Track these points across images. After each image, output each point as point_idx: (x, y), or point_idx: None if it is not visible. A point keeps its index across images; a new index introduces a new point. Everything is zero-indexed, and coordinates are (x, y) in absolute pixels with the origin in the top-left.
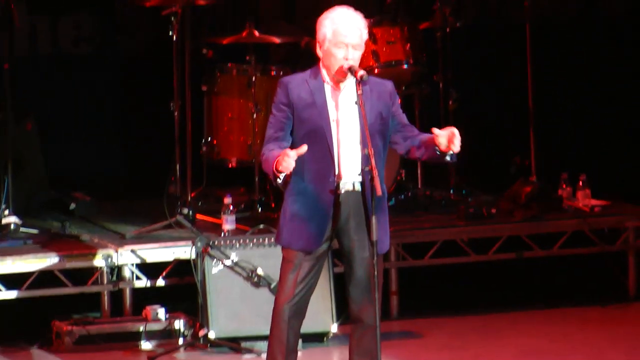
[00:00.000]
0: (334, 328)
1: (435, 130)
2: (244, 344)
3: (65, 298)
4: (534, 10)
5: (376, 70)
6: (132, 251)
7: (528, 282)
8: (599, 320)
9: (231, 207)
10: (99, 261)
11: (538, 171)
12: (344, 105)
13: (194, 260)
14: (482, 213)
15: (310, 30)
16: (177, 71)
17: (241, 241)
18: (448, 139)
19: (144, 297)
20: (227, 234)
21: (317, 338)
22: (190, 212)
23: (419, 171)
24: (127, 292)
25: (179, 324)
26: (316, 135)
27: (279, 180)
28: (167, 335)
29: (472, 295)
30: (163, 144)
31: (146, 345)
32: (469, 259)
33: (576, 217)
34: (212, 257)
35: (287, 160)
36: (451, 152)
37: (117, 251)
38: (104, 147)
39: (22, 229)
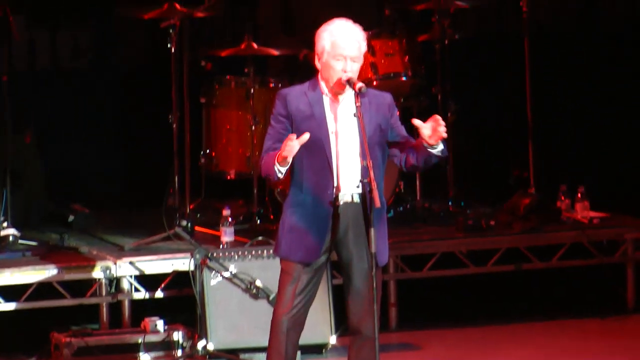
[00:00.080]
0: (332, 340)
1: (416, 122)
2: (242, 356)
3: (64, 310)
4: (532, 22)
5: (375, 83)
6: (131, 263)
7: (527, 294)
8: (598, 332)
9: (230, 219)
10: (97, 273)
11: (537, 183)
12: (342, 117)
13: (192, 272)
14: (480, 225)
15: (309, 43)
16: (175, 83)
17: (240, 253)
18: (432, 128)
19: (142, 309)
20: (225, 245)
21: (316, 350)
22: (189, 224)
23: (417, 183)
24: (126, 303)
25: (177, 336)
26: (315, 147)
27: (280, 175)
28: (165, 347)
29: (471, 307)
30: (162, 156)
31: (145, 357)
32: (467, 270)
33: (575, 229)
34: (210, 268)
35: (290, 144)
36: (440, 146)
37: (115, 263)
38: (102, 159)
39: (20, 241)
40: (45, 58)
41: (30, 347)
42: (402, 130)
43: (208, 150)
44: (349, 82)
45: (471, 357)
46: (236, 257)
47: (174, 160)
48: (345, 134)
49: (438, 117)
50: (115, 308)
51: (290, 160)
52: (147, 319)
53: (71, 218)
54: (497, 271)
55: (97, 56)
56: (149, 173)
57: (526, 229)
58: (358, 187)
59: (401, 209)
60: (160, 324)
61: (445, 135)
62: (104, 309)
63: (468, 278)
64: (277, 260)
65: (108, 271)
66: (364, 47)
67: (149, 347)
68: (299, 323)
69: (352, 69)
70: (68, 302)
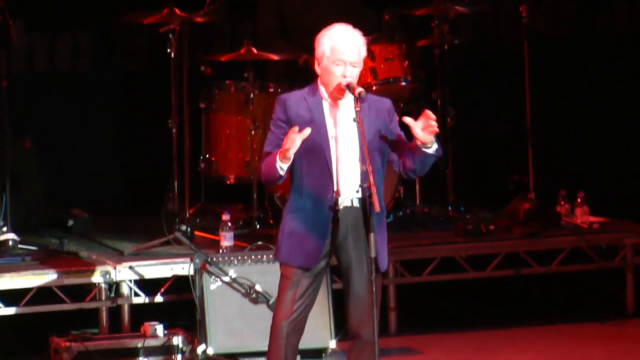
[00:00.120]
0: (332, 344)
1: (407, 119)
2: None
3: (64, 314)
4: (531, 27)
5: (374, 87)
6: (130, 267)
7: (526, 298)
8: (597, 336)
9: (229, 224)
10: (97, 278)
11: (536, 188)
12: (342, 122)
13: (192, 276)
14: (480, 230)
15: (308, 48)
16: (175, 88)
17: (239, 258)
18: (424, 126)
19: (142, 314)
20: (225, 250)
21: (316, 354)
22: (189, 228)
23: (417, 188)
24: (126, 308)
25: (177, 340)
26: (315, 152)
27: (282, 172)
28: (165, 352)
29: (470, 311)
30: (161, 160)
31: None
32: (467, 275)
33: (574, 234)
34: (210, 273)
35: (292, 136)
36: (435, 145)
37: (115, 268)
38: (102, 164)
39: (20, 246)
40: (44, 63)
41: (30, 351)
42: (402, 136)
43: (207, 155)
44: (349, 87)
45: None
46: (236, 261)
47: (173, 165)
48: (345, 138)
49: (429, 111)
50: (115, 313)
51: (291, 155)
52: (146, 324)
53: (71, 223)
54: (496, 276)
55: (96, 61)
56: (149, 178)
57: (526, 233)
58: (358, 191)
59: (401, 213)
60: (159, 329)
61: (437, 129)
62: (104, 314)
63: (468, 283)
64: (277, 265)
65: (108, 276)
66: (363, 52)
67: (149, 351)
68: (298, 328)
69: (352, 74)
70: (68, 306)
